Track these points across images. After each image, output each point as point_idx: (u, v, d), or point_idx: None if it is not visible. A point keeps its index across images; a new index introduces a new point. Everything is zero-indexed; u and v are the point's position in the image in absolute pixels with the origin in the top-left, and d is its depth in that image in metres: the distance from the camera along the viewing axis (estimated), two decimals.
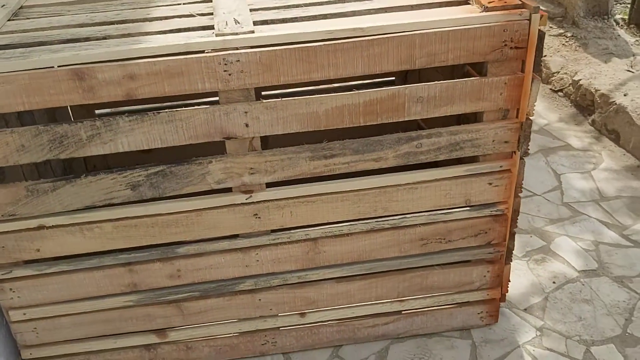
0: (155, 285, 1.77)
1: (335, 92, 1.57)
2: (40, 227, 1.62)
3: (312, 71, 1.51)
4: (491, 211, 1.80)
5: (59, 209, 1.60)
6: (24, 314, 1.76)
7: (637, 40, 3.65)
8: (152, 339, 1.88)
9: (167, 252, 1.72)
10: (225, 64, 1.47)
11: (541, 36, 1.57)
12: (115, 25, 1.63)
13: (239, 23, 1.55)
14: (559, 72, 3.55)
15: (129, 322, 1.83)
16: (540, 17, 1.55)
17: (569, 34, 3.76)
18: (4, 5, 1.82)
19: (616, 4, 4.08)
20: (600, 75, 3.30)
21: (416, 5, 1.66)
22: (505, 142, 1.69)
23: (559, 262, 2.30)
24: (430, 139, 1.66)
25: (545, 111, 3.40)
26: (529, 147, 1.74)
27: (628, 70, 3.27)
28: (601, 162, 2.91)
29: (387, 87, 1.57)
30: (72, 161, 2.16)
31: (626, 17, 3.94)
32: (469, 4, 1.64)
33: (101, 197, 1.61)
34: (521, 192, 1.81)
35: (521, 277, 2.24)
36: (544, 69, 3.66)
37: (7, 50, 1.51)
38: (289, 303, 1.87)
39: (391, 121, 1.62)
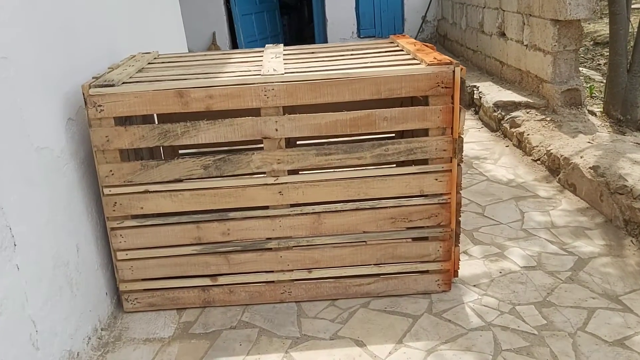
0: (213, 240, 2.67)
1: (332, 112, 2.54)
2: (145, 192, 2.58)
3: (317, 97, 2.49)
4: (439, 200, 2.65)
5: (158, 180, 2.57)
6: (126, 254, 2.68)
7: (602, 124, 4.53)
8: (207, 282, 2.75)
9: (222, 215, 2.64)
10: (265, 91, 2.46)
11: (463, 81, 2.51)
12: (202, 74, 2.68)
13: (275, 71, 2.56)
14: (537, 146, 4.43)
15: (193, 267, 2.72)
16: (461, 70, 2.50)
17: (548, 119, 4.67)
18: (132, 65, 2.91)
19: (588, 97, 5.00)
20: (567, 146, 4.16)
21: (391, 64, 2.64)
22: (444, 150, 2.58)
23: (508, 262, 3.07)
24: (394, 146, 2.57)
25: (525, 174, 4.25)
26: (462, 157, 2.62)
27: (588, 142, 4.12)
28: (559, 206, 3.70)
29: (365, 109, 2.52)
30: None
31: (598, 108, 4.84)
32: (419, 63, 2.62)
33: (184, 173, 2.57)
34: (461, 189, 2.66)
35: (477, 269, 3.01)
36: (527, 144, 4.56)
37: (139, 83, 2.56)
38: (301, 261, 2.72)
39: (368, 132, 2.55)
